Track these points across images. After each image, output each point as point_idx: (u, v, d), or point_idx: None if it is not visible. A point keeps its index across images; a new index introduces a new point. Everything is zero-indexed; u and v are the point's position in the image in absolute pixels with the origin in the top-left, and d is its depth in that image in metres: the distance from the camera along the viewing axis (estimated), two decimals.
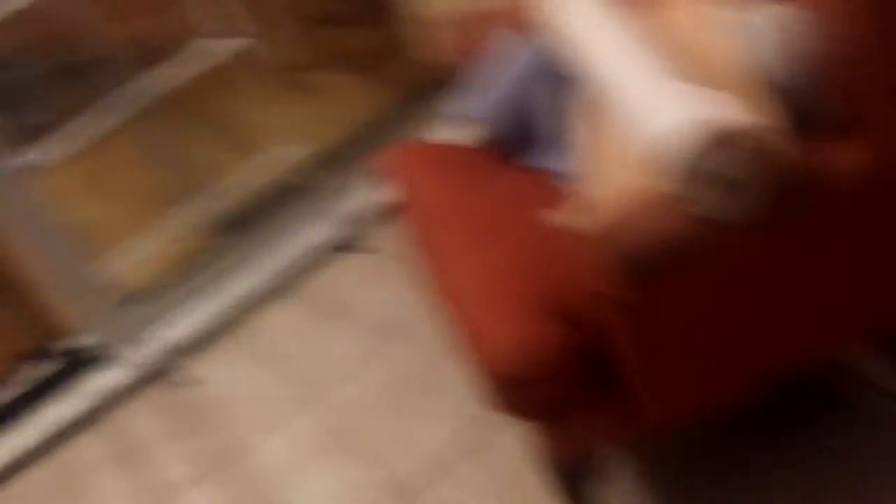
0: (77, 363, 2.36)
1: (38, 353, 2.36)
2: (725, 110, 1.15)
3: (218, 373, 2.33)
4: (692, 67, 1.28)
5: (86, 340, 2.36)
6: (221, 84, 2.45)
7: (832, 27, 1.22)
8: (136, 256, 2.46)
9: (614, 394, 1.41)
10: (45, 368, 2.36)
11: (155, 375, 2.35)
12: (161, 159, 2.51)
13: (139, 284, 2.46)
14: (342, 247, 2.49)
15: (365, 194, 2.53)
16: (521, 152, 1.73)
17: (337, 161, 2.59)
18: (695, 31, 1.27)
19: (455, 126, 1.90)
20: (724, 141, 1.13)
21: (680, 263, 1.25)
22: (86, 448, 2.27)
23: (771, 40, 1.24)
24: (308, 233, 2.52)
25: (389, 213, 2.23)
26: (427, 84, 2.53)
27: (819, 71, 1.25)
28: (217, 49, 2.33)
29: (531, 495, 1.76)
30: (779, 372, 1.51)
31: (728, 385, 1.50)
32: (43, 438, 2.25)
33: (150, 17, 2.37)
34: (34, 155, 2.15)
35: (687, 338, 1.37)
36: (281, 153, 2.56)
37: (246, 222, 2.54)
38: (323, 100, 2.69)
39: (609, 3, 1.47)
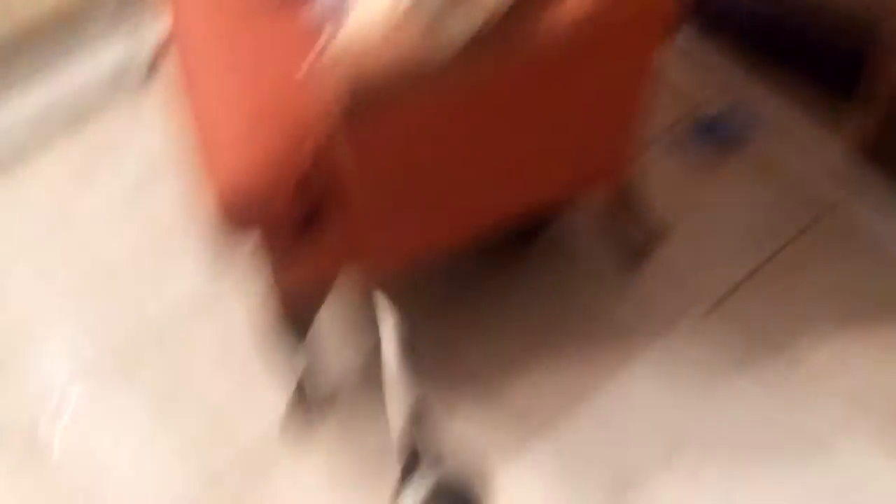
0: None
1: None
2: None
3: None
4: None
5: None
6: None
7: None
8: None
9: (333, 226, 1.49)
10: None
11: None
12: None
13: None
14: (117, 84, 2.34)
15: (144, 28, 2.36)
16: None
17: None
18: None
19: None
20: None
21: (404, 93, 1.28)
22: None
23: None
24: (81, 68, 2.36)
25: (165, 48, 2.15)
26: None
27: None
28: None
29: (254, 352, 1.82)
30: (499, 222, 1.65)
31: (445, 233, 1.63)
32: None
33: None
34: None
35: (405, 176, 1.45)
36: None
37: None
38: None
39: None
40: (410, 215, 1.56)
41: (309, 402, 1.73)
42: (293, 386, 1.71)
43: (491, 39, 1.26)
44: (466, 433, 1.63)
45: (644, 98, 1.59)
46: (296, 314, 1.67)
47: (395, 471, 1.43)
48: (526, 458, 1.61)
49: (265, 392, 1.76)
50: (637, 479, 1.57)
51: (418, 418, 1.43)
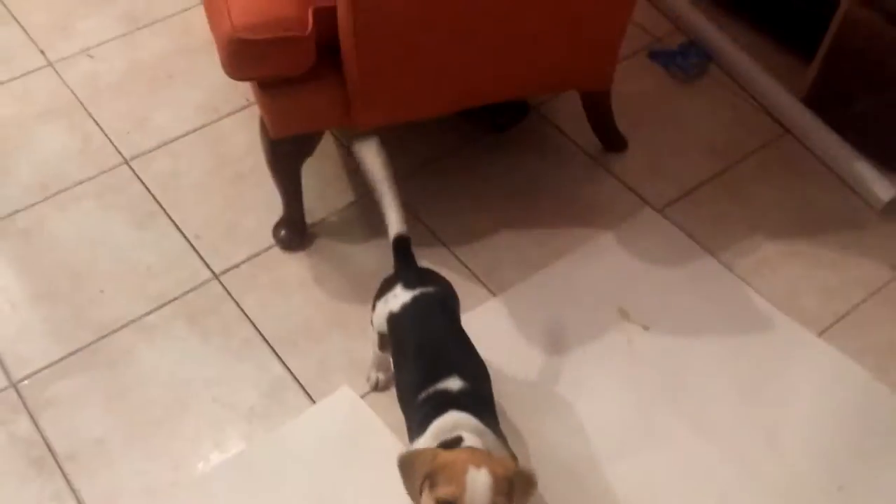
0: None
1: None
2: None
3: None
4: None
5: None
6: None
7: None
8: None
9: (336, 78, 1.62)
10: None
11: None
12: None
13: None
14: None
15: None
16: None
17: None
18: None
19: None
20: None
21: None
22: None
23: None
24: None
25: None
26: None
27: None
28: None
29: (245, 173, 2.01)
30: (478, 100, 1.81)
31: (431, 101, 1.76)
32: None
33: None
34: None
35: (399, 42, 1.59)
36: None
37: None
38: None
39: None
40: (405, 80, 1.66)
41: (296, 224, 1.83)
42: (282, 211, 1.82)
43: None
44: None
45: (628, 17, 1.74)
46: (285, 161, 1.76)
47: (375, 280, 1.54)
48: (477, 311, 1.73)
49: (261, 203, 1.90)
50: (576, 341, 1.71)
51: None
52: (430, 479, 1.15)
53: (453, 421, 1.26)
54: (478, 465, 1.14)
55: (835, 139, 2.01)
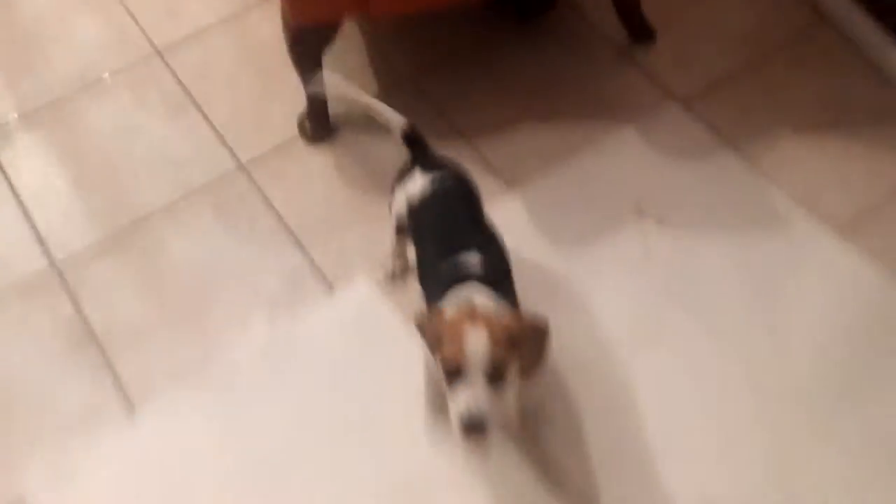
0: None
1: None
2: None
3: None
4: None
5: None
6: None
7: None
8: None
9: None
10: None
11: None
12: None
13: None
14: None
15: None
16: None
17: None
18: None
19: None
20: None
21: None
22: None
23: None
24: None
25: None
26: None
27: None
28: None
29: (272, 67, 2.02)
30: None
31: None
32: None
33: None
34: None
35: None
36: None
37: None
38: None
39: None
40: None
41: (319, 116, 1.86)
42: (306, 103, 1.84)
43: None
44: None
45: None
46: (306, 50, 1.76)
47: (392, 171, 1.58)
48: (494, 204, 1.72)
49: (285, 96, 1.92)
50: (590, 235, 1.73)
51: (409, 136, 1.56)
52: (439, 340, 1.25)
53: (469, 291, 1.32)
54: (474, 322, 1.23)
55: (873, 27, 1.93)
